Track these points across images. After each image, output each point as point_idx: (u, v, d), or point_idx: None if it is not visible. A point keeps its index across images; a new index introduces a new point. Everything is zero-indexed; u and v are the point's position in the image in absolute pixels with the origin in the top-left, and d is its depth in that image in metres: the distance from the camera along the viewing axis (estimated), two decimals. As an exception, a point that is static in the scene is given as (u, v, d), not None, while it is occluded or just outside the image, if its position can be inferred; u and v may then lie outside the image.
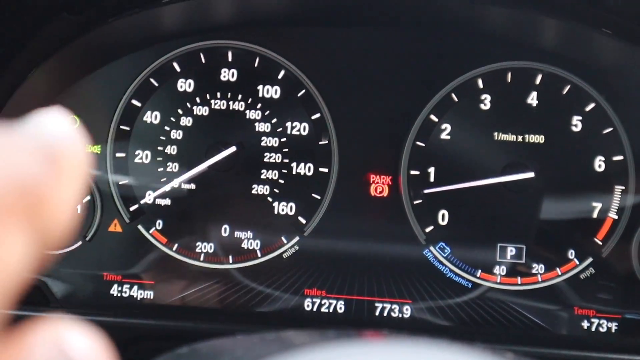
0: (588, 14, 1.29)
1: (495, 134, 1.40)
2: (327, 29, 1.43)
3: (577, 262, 1.38)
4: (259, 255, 1.40)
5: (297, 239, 1.40)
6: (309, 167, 1.41)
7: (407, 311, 1.39)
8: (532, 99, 1.40)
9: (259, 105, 1.41)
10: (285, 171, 1.41)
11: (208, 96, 1.41)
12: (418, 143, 1.41)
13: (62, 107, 1.01)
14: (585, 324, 1.37)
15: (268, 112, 1.41)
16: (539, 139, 1.39)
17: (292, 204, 1.40)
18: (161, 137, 1.40)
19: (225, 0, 1.38)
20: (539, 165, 1.39)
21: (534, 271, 1.39)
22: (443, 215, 1.40)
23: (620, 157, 1.39)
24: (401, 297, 1.39)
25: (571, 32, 1.36)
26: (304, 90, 1.42)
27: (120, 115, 1.41)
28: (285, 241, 1.40)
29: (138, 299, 1.39)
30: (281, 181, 1.40)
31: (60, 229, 0.35)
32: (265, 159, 1.40)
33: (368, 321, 1.38)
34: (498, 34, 1.41)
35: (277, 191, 1.40)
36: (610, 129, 1.39)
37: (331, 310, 1.39)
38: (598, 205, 1.38)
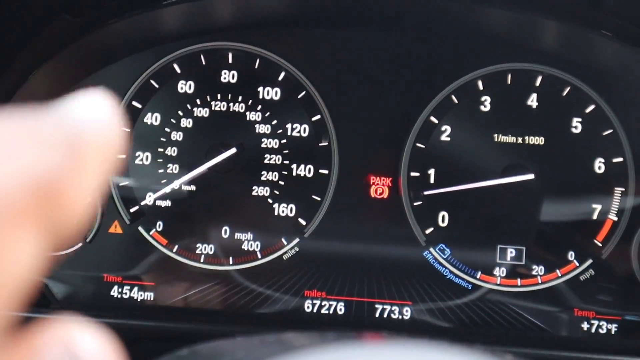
0: (588, 16, 1.29)
1: (495, 135, 1.40)
2: (328, 31, 1.43)
3: (577, 264, 1.38)
4: (259, 256, 1.40)
5: (297, 240, 1.40)
6: (309, 169, 1.41)
7: (407, 313, 1.39)
8: (532, 101, 1.40)
9: (259, 107, 1.41)
10: (286, 173, 1.41)
11: (208, 98, 1.41)
12: (418, 144, 1.41)
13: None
14: (585, 326, 1.37)
15: (268, 113, 1.41)
16: (539, 140, 1.39)
17: (292, 206, 1.41)
18: (161, 139, 1.41)
19: (226, 2, 1.38)
20: (539, 166, 1.39)
21: (534, 273, 1.39)
22: (443, 217, 1.40)
23: (620, 159, 1.39)
24: (401, 298, 1.39)
25: (571, 34, 1.36)
26: (304, 92, 1.42)
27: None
28: (285, 243, 1.40)
29: (138, 300, 1.39)
30: (281, 183, 1.40)
31: (72, 227, 0.34)
32: (266, 161, 1.41)
33: (368, 322, 1.38)
34: (498, 35, 1.41)
35: (277, 193, 1.40)
36: (610, 131, 1.40)
37: (331, 311, 1.39)
38: (598, 207, 1.39)
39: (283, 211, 1.41)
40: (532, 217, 1.39)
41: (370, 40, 1.42)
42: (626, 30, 1.30)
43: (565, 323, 1.38)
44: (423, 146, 1.41)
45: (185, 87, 1.42)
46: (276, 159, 1.41)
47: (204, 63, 1.42)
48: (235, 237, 1.40)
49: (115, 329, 0.38)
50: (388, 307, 1.39)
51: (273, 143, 1.41)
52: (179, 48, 1.42)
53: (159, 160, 1.40)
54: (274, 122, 1.41)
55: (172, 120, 1.41)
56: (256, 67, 1.42)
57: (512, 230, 1.39)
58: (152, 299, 1.39)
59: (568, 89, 1.40)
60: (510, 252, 1.39)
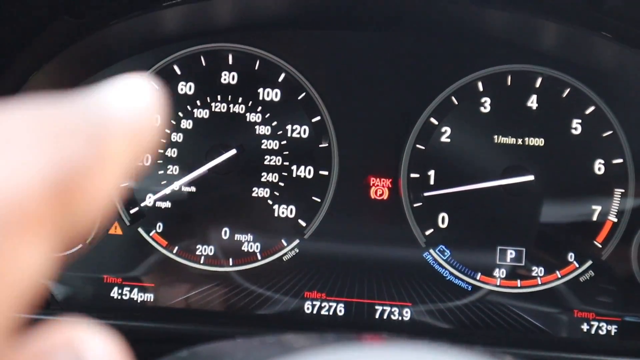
0: (588, 17, 1.29)
1: (495, 136, 1.40)
2: (328, 32, 1.43)
3: (577, 265, 1.39)
4: (259, 258, 1.40)
5: (297, 241, 1.40)
6: (309, 170, 1.41)
7: (407, 314, 1.39)
8: (532, 102, 1.40)
9: (259, 108, 1.41)
10: (286, 174, 1.41)
11: (208, 99, 1.41)
12: (418, 146, 1.41)
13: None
14: (584, 327, 1.37)
15: (268, 114, 1.41)
16: (539, 142, 1.39)
17: (292, 207, 1.41)
18: (161, 140, 1.41)
19: (226, 3, 1.38)
20: (539, 168, 1.39)
21: (533, 274, 1.39)
22: (443, 218, 1.40)
23: (619, 160, 1.39)
24: (401, 299, 1.39)
25: (571, 36, 1.36)
26: (304, 93, 1.42)
27: (121, 118, 1.41)
28: (285, 244, 1.40)
29: (138, 301, 1.39)
30: (281, 184, 1.41)
31: (87, 225, 0.32)
32: (266, 162, 1.41)
33: (368, 324, 1.38)
34: (498, 37, 1.41)
35: (278, 194, 1.40)
36: (609, 132, 1.40)
37: (331, 312, 1.39)
38: (598, 208, 1.39)
39: (283, 212, 1.41)
40: (532, 219, 1.39)
41: (370, 41, 1.42)
42: (626, 32, 1.30)
43: (565, 324, 1.38)
44: (423, 147, 1.41)
45: (186, 88, 1.42)
46: (276, 160, 1.41)
47: (204, 64, 1.42)
48: (235, 239, 1.40)
49: (115, 331, 0.38)
50: (388, 309, 1.39)
51: (273, 144, 1.41)
52: (179, 49, 1.42)
53: (159, 162, 1.40)
54: (274, 123, 1.41)
55: (172, 121, 1.41)
56: (256, 68, 1.42)
57: (512, 232, 1.39)
58: (152, 300, 1.39)
59: (568, 90, 1.40)
60: (510, 254, 1.39)
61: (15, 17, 1.23)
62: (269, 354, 0.50)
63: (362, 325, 1.38)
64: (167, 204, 1.40)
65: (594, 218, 1.39)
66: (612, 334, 1.37)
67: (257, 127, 1.41)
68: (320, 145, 1.41)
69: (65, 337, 0.31)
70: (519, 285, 1.39)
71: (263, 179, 1.40)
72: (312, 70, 1.42)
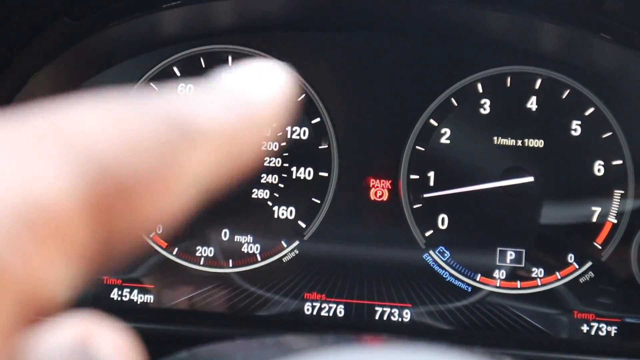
0: (588, 19, 1.29)
1: (495, 138, 1.40)
2: (327, 34, 1.43)
3: (577, 266, 1.38)
4: (259, 259, 1.40)
5: (297, 243, 1.40)
6: (309, 172, 1.41)
7: (407, 315, 1.39)
8: (532, 104, 1.40)
9: (258, 110, 1.41)
10: (285, 175, 1.41)
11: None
12: (418, 147, 1.41)
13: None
14: (584, 328, 1.37)
15: (268, 116, 1.41)
16: (539, 143, 1.39)
17: (292, 208, 1.41)
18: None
19: (225, 5, 1.38)
20: (539, 169, 1.39)
21: (533, 275, 1.39)
22: (443, 220, 1.40)
23: (619, 162, 1.39)
24: (401, 301, 1.39)
25: (570, 37, 1.36)
26: (303, 95, 1.42)
27: (121, 120, 1.41)
28: (285, 245, 1.40)
29: (138, 303, 1.39)
30: (281, 185, 1.41)
31: (126, 246, 0.27)
32: (265, 163, 1.41)
33: (368, 325, 1.38)
34: (497, 39, 1.41)
35: (277, 195, 1.40)
36: (609, 134, 1.40)
37: (331, 314, 1.39)
38: (597, 210, 1.39)
39: (283, 214, 1.41)
40: (531, 220, 1.39)
41: (370, 43, 1.42)
42: (625, 33, 1.30)
43: (565, 325, 1.38)
44: (423, 149, 1.41)
45: (185, 89, 1.42)
46: (276, 162, 1.41)
47: (203, 66, 1.42)
48: (235, 240, 1.40)
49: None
50: (388, 310, 1.39)
51: (272, 146, 1.41)
52: (178, 51, 1.42)
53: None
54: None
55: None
56: (256, 69, 1.42)
57: (511, 233, 1.39)
58: (151, 301, 1.39)
59: (567, 91, 1.40)
60: (510, 255, 1.39)
61: (14, 18, 1.23)
62: (268, 355, 0.50)
63: (362, 327, 1.38)
64: (167, 206, 1.40)
65: (594, 219, 1.39)
66: (612, 335, 1.37)
67: (256, 128, 1.41)
68: (320, 147, 1.41)
69: (74, 332, 0.29)
70: (518, 287, 1.39)
71: (263, 181, 1.40)
72: (311, 72, 1.42)
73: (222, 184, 0.28)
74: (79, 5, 1.26)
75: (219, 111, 0.29)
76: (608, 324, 1.37)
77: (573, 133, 1.40)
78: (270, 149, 1.41)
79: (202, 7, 1.35)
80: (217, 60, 1.42)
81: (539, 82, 1.40)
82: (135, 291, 1.39)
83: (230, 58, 1.42)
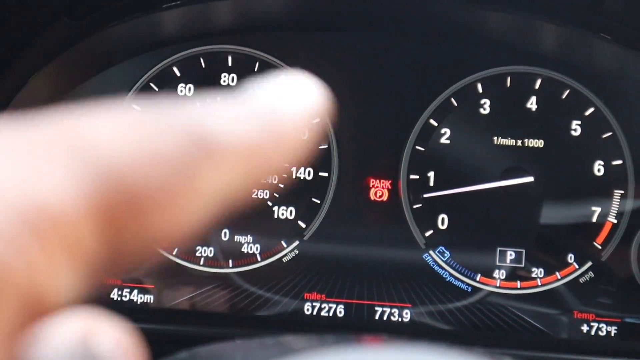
0: (587, 19, 1.29)
1: (495, 138, 1.40)
2: (327, 34, 1.43)
3: (577, 266, 1.38)
4: (259, 259, 1.40)
5: (296, 243, 1.40)
6: (309, 172, 1.41)
7: (407, 315, 1.39)
8: (532, 104, 1.40)
9: (258, 110, 1.41)
10: (285, 175, 1.41)
11: (208, 100, 1.41)
12: (418, 147, 1.41)
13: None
14: (584, 328, 1.37)
15: (268, 116, 1.41)
16: (539, 143, 1.40)
17: (292, 208, 1.41)
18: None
19: (226, 5, 1.38)
20: (539, 169, 1.39)
21: (533, 275, 1.39)
22: (443, 220, 1.40)
23: (619, 162, 1.39)
24: (401, 301, 1.39)
25: (570, 37, 1.36)
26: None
27: (121, 120, 1.41)
28: (285, 245, 1.40)
29: (138, 303, 1.39)
30: (281, 185, 1.41)
31: (138, 256, 0.26)
32: (265, 163, 1.40)
33: (368, 325, 1.38)
34: (497, 39, 1.41)
35: (277, 195, 1.40)
36: (609, 134, 1.40)
37: (331, 314, 1.39)
38: (597, 210, 1.39)
39: (283, 214, 1.41)
40: (531, 220, 1.39)
41: (370, 43, 1.42)
42: (625, 33, 1.30)
43: (565, 325, 1.38)
44: (422, 149, 1.41)
45: (185, 90, 1.42)
46: (276, 162, 1.41)
47: (203, 66, 1.42)
48: (235, 240, 1.40)
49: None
50: (388, 310, 1.39)
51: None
52: (178, 51, 1.42)
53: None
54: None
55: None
56: (256, 70, 1.42)
57: (511, 233, 1.39)
58: (152, 301, 1.39)
59: (567, 91, 1.40)
60: (510, 255, 1.39)
61: (14, 18, 1.23)
62: (268, 355, 0.50)
63: (362, 327, 1.38)
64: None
65: (594, 219, 1.39)
66: (612, 335, 1.37)
67: (256, 128, 1.41)
68: (320, 147, 1.41)
69: (75, 329, 0.29)
70: (518, 287, 1.39)
71: (262, 181, 1.40)
72: (311, 72, 1.42)
73: (241, 199, 0.26)
74: (79, 5, 1.26)
75: (242, 125, 0.29)
76: (608, 324, 1.37)
77: (573, 133, 1.40)
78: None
79: (202, 7, 1.35)
80: (217, 61, 1.42)
81: (538, 82, 1.40)
82: (135, 291, 1.39)
83: (230, 58, 1.42)
